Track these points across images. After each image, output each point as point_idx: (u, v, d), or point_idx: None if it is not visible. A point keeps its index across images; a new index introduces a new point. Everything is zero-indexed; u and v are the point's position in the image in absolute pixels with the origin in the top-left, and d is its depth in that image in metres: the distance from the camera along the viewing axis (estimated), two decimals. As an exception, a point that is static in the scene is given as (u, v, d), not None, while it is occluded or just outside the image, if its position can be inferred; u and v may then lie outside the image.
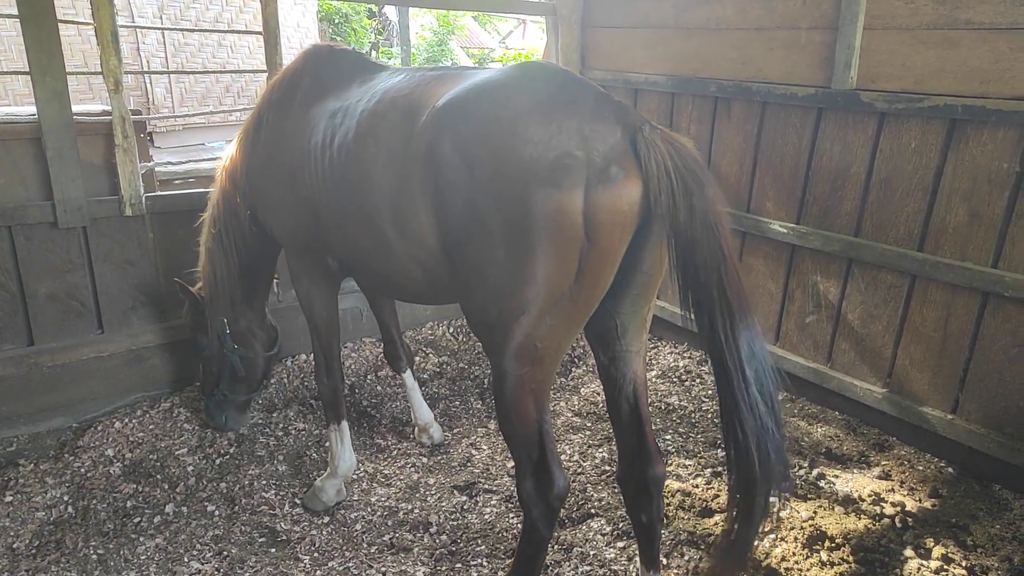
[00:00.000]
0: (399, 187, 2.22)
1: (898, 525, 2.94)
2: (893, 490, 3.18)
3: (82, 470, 3.25)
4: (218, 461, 3.40)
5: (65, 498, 3.08)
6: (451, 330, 4.79)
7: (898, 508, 3.03)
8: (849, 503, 3.08)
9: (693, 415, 3.85)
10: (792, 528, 2.90)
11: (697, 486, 3.22)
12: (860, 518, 2.98)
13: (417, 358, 4.37)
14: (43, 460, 3.33)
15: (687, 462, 3.42)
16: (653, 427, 3.23)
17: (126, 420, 3.61)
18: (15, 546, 2.80)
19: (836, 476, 3.28)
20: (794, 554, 2.78)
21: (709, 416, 3.83)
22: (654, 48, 4.54)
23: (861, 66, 3.47)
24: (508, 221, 1.94)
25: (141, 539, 2.89)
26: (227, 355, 3.47)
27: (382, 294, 3.23)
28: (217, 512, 3.07)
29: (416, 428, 3.67)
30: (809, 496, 3.14)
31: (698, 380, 4.24)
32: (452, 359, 4.44)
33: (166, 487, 3.20)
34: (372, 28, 17.91)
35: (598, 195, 1.89)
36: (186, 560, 2.78)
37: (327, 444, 3.27)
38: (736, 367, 1.92)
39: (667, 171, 1.87)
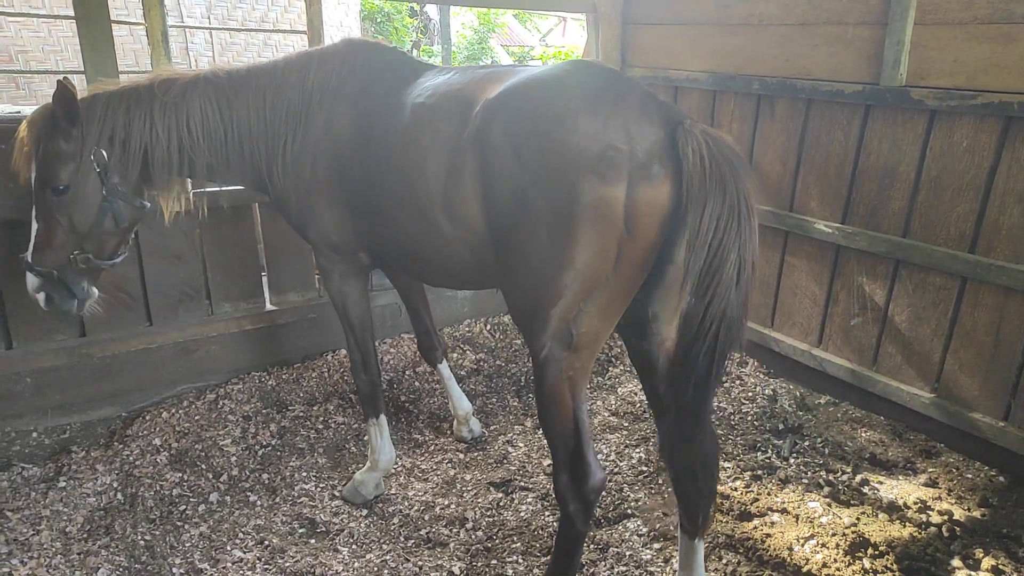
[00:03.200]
0: (451, 174, 2.31)
1: (945, 534, 2.86)
2: (940, 498, 3.09)
3: (131, 458, 3.35)
4: (260, 452, 3.47)
5: (115, 485, 3.18)
6: (488, 327, 4.81)
7: (945, 517, 2.95)
8: (894, 510, 3.01)
9: (732, 417, 3.81)
10: (834, 534, 2.85)
11: (736, 489, 3.18)
12: (905, 526, 2.91)
13: (454, 355, 4.40)
14: (94, 448, 3.44)
15: (725, 464, 3.37)
16: None
17: (173, 410, 3.71)
18: (68, 530, 2.90)
19: (880, 482, 3.21)
20: (835, 560, 2.73)
21: (749, 419, 3.78)
22: (695, 45, 4.48)
23: (911, 62, 3.38)
24: (553, 207, 2.01)
25: (186, 527, 2.97)
26: (105, 199, 2.75)
27: (429, 282, 3.04)
28: (259, 502, 3.14)
29: (455, 421, 3.69)
30: (852, 502, 3.07)
31: (737, 382, 4.18)
32: (489, 356, 4.46)
33: (210, 476, 3.28)
34: (414, 27, 18.06)
35: (639, 190, 1.97)
36: (229, 548, 2.85)
37: (366, 438, 3.31)
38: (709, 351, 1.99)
39: (702, 159, 1.93)
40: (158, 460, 3.35)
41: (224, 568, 2.74)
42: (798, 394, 4.02)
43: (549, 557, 2.44)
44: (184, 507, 3.09)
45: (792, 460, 3.42)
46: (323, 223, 2.90)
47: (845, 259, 3.83)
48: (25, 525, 2.88)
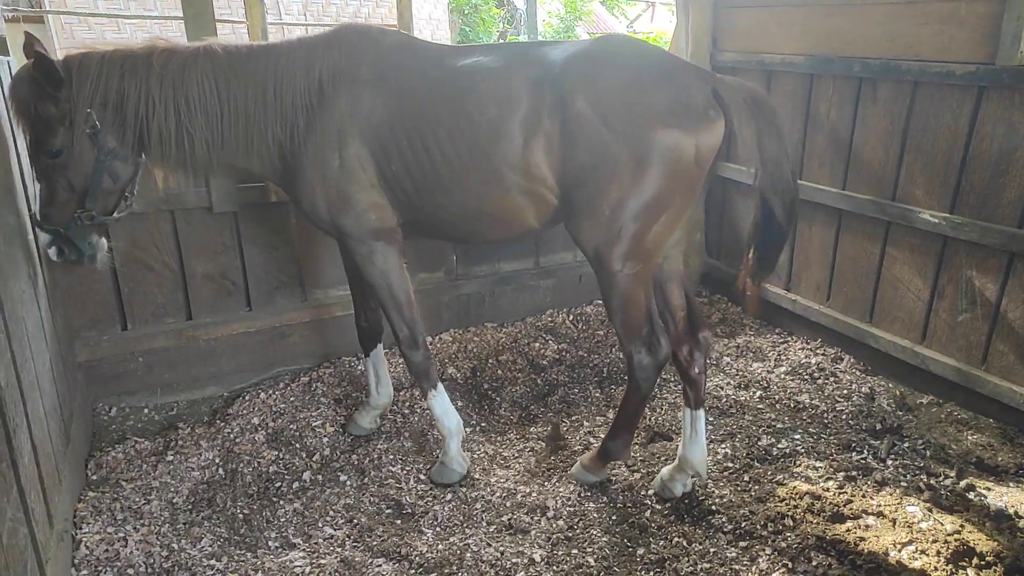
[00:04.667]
0: (530, 139, 2.71)
1: (1061, 547, 2.66)
2: (1056, 508, 2.88)
3: (231, 436, 3.54)
4: (350, 437, 3.60)
5: (216, 460, 3.37)
6: (571, 318, 4.80)
7: (1062, 529, 2.74)
8: (1002, 519, 2.82)
9: (825, 415, 3.66)
10: (935, 541, 2.70)
11: (828, 490, 3.06)
12: (1015, 536, 2.72)
13: (536, 344, 4.42)
14: (199, 425, 3.66)
15: (817, 464, 3.25)
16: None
17: (270, 392, 3.90)
18: (175, 500, 3.10)
19: (988, 489, 3.01)
20: (936, 569, 2.58)
21: (843, 417, 3.62)
22: (791, 26, 4.30)
23: (1033, 39, 3.13)
24: (635, 155, 2.60)
25: (281, 503, 3.13)
26: (99, 160, 2.76)
27: (469, 239, 3.23)
28: (349, 482, 3.26)
29: (366, 405, 3.66)
30: (955, 508, 2.90)
31: (832, 379, 4.01)
32: (571, 347, 4.45)
33: (304, 456, 3.43)
34: (500, 17, 18.11)
35: (704, 132, 2.63)
36: (320, 525, 2.98)
37: (432, 415, 3.27)
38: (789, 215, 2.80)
39: (746, 102, 2.69)
40: (256, 439, 3.53)
41: (315, 544, 2.86)
42: (898, 393, 3.82)
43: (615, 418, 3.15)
44: (280, 484, 3.25)
45: (890, 462, 3.25)
46: (361, 207, 2.92)
47: (953, 251, 3.60)
48: (138, 495, 3.10)
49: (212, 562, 2.73)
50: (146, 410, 3.79)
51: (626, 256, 2.70)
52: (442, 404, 3.24)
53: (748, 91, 2.73)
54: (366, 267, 3.06)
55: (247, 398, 3.84)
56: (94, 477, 3.23)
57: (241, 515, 3.05)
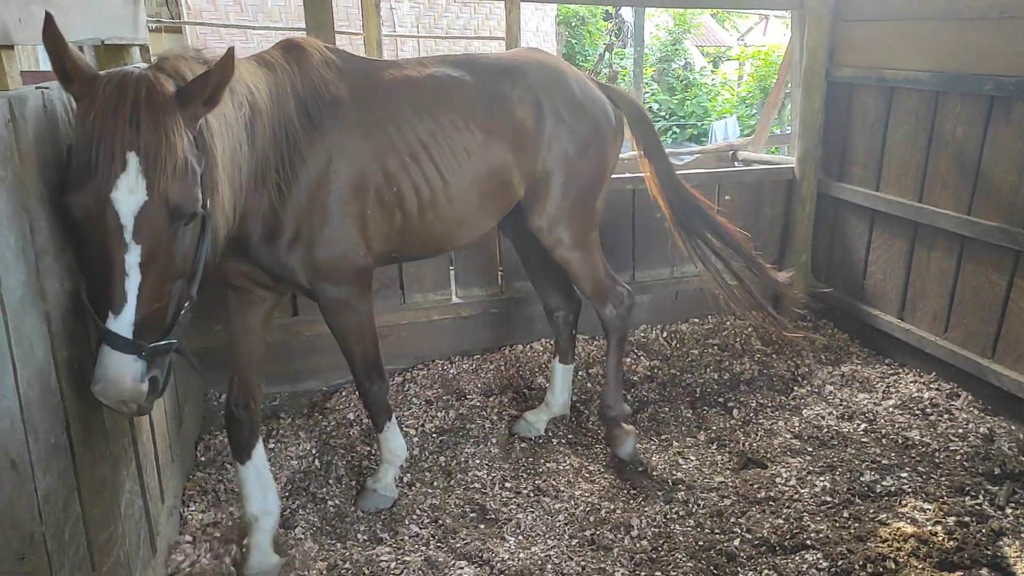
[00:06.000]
0: (517, 140, 3.01)
1: None
2: None
3: (328, 429, 3.69)
4: (439, 439, 3.67)
5: (313, 451, 3.52)
6: (664, 334, 4.71)
7: None
8: None
9: (937, 454, 3.42)
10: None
11: (936, 534, 2.86)
12: None
13: (628, 359, 4.37)
14: (298, 416, 3.83)
15: (926, 506, 3.04)
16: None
17: (365, 389, 4.03)
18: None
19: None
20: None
21: (957, 458, 3.37)
22: (916, 41, 4.07)
23: None
24: (598, 154, 3.24)
25: (370, 497, 3.22)
26: (206, 214, 2.00)
27: (448, 246, 3.21)
28: (435, 483, 3.33)
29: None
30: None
31: (946, 416, 3.75)
32: (664, 364, 4.37)
33: (394, 454, 3.52)
34: (607, 30, 18.08)
35: (620, 137, 3.40)
36: (407, 523, 3.05)
37: (379, 442, 3.16)
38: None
39: (632, 107, 3.47)
40: (351, 433, 3.65)
41: (401, 540, 2.93)
42: (1021, 436, 3.52)
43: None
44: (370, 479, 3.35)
45: (1009, 510, 3.01)
46: (355, 244, 2.69)
47: (1093, 286, 3.29)
48: (240, 478, 3.27)
49: (303, 547, 2.85)
50: (252, 399, 4.00)
51: (597, 222, 3.40)
52: (396, 433, 3.14)
53: (630, 101, 3.47)
54: (346, 314, 2.81)
55: (344, 394, 3.99)
56: (202, 458, 3.44)
57: (332, 506, 3.16)
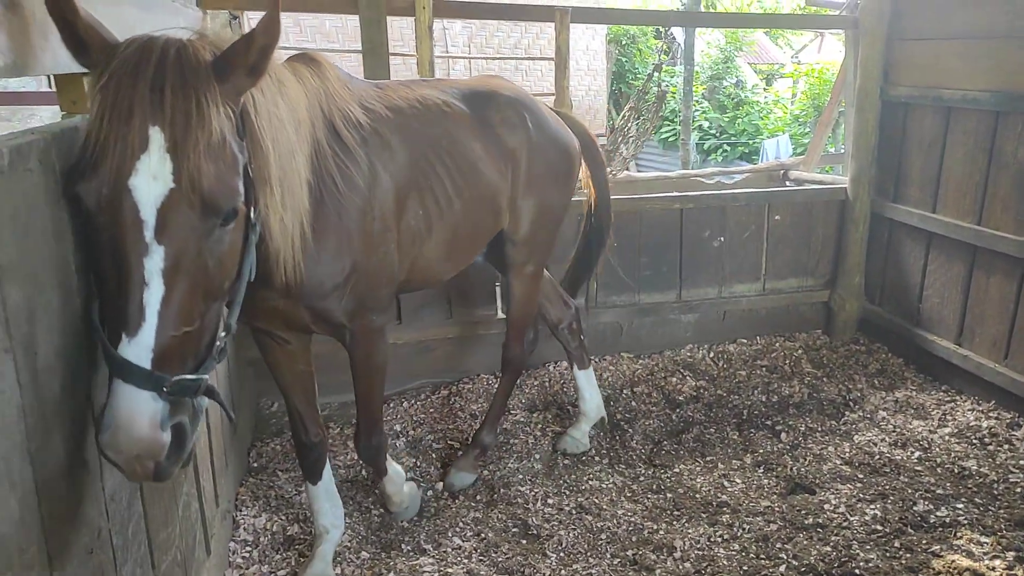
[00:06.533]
0: (505, 166, 3.03)
1: None
2: None
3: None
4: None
5: (360, 462, 3.58)
6: (711, 355, 4.67)
7: None
8: None
9: (995, 486, 3.30)
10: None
11: (994, 569, 2.76)
12: None
13: (673, 379, 4.34)
14: (347, 426, 3.91)
15: (983, 539, 2.94)
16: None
17: (412, 401, 4.10)
18: (321, 495, 3.33)
19: None
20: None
21: (1017, 490, 3.25)
22: (976, 61, 3.99)
23: None
24: (566, 174, 3.31)
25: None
26: (253, 220, 1.69)
27: (444, 276, 3.06)
28: (479, 497, 3.36)
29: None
30: None
31: (1006, 446, 3.62)
32: (710, 384, 4.33)
33: (439, 466, 3.57)
34: (657, 48, 18.06)
35: (580, 166, 3.48)
36: (450, 535, 3.08)
37: (384, 489, 3.09)
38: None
39: (584, 137, 3.51)
40: (397, 444, 3.72)
41: (444, 552, 2.97)
42: (1087, 470, 3.38)
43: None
44: (414, 491, 3.40)
45: (1073, 547, 2.88)
46: (395, 269, 2.59)
47: None
48: (290, 485, 3.36)
49: (351, 556, 2.91)
50: (302, 408, 4.10)
51: (553, 244, 3.49)
52: (395, 479, 3.09)
53: (582, 129, 3.54)
54: (374, 346, 2.69)
55: (391, 406, 4.06)
56: (255, 465, 3.55)
57: (377, 517, 3.22)
